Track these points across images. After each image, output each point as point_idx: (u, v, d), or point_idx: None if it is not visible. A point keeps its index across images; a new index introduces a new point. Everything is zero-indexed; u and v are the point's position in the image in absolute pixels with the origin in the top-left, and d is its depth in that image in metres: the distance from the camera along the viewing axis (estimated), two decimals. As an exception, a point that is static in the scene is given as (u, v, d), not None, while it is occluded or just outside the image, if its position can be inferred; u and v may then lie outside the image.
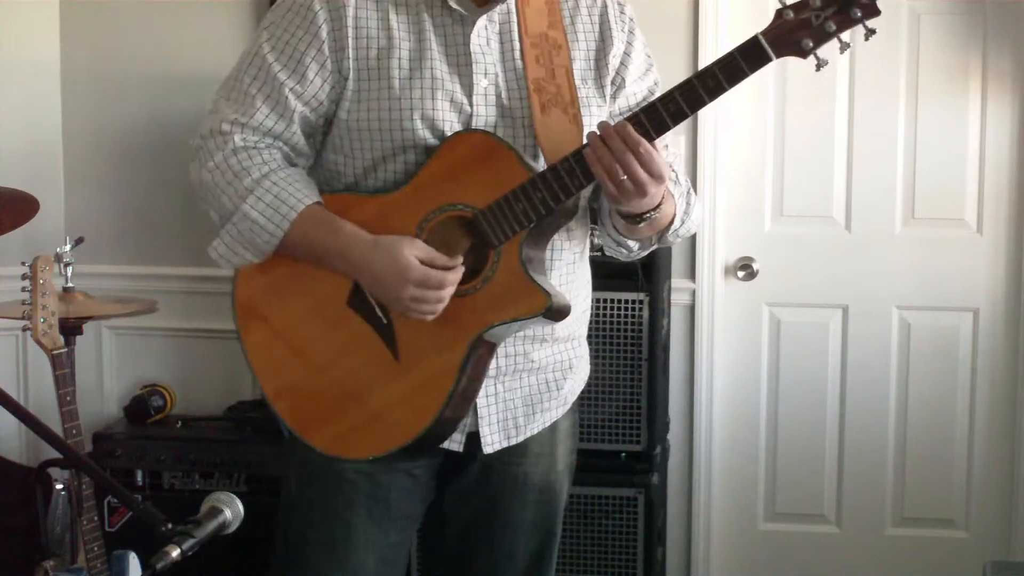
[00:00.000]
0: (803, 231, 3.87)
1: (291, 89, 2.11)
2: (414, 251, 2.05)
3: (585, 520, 3.45)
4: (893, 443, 3.89)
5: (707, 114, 3.70)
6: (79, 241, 3.40)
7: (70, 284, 3.35)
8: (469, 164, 2.08)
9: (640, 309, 3.40)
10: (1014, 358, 3.82)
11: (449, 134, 2.10)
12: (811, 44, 1.96)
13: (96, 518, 3.08)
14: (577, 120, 2.13)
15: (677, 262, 3.77)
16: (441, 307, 2.06)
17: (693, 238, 3.76)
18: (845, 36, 1.96)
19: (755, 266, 3.87)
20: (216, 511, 1.72)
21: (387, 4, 2.13)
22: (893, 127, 3.80)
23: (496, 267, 2.06)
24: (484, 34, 2.14)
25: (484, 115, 2.13)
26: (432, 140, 2.10)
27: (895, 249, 3.84)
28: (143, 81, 3.89)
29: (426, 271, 2.04)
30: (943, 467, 3.88)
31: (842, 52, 1.96)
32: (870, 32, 1.94)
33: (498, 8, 2.14)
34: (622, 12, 2.24)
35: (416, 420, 2.09)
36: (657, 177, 2.01)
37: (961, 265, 3.82)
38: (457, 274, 2.05)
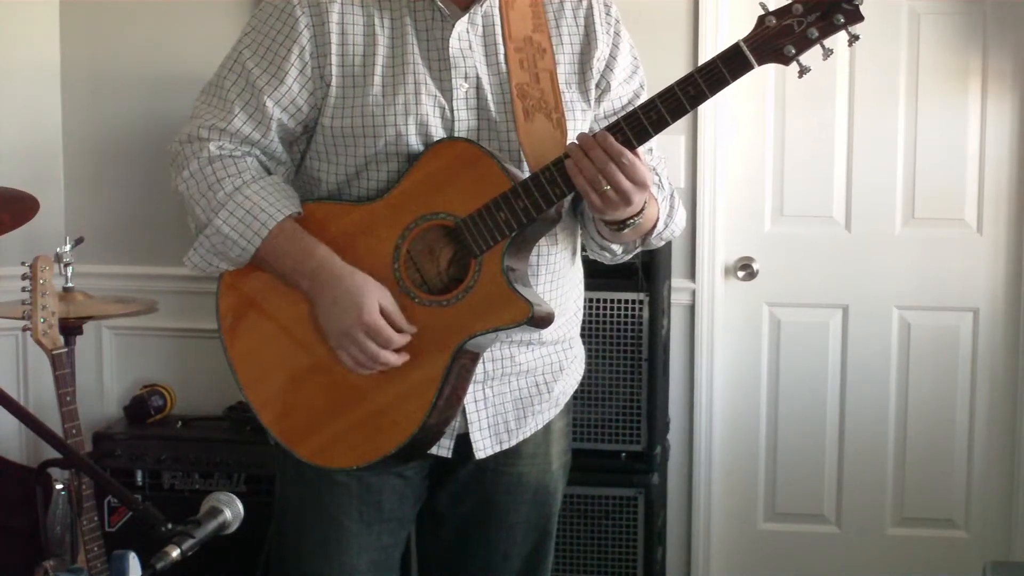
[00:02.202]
0: (803, 231, 3.87)
1: (269, 95, 2.10)
2: (381, 298, 2.05)
3: (585, 520, 3.45)
4: (893, 443, 3.89)
5: (707, 114, 3.70)
6: (79, 241, 3.40)
7: (70, 284, 3.34)
8: (452, 173, 2.06)
9: (640, 309, 3.40)
10: (1014, 358, 3.82)
11: (433, 139, 2.09)
12: (793, 51, 1.96)
13: (96, 518, 3.07)
14: (561, 125, 2.11)
15: (677, 262, 3.77)
16: (369, 367, 2.06)
17: (693, 238, 3.76)
18: (828, 42, 1.95)
19: (755, 266, 3.87)
20: (216, 511, 1.71)
21: (372, 8, 2.11)
22: (893, 127, 3.80)
23: (478, 276, 2.05)
24: (465, 37, 2.12)
25: (465, 119, 2.11)
26: (416, 146, 2.09)
27: (895, 249, 3.83)
28: (143, 81, 3.89)
29: (381, 323, 2.04)
30: (943, 467, 3.88)
31: (825, 59, 1.96)
32: (853, 38, 1.94)
33: (481, 11, 2.13)
34: (608, 13, 2.22)
35: (400, 430, 2.09)
36: (640, 185, 2.00)
37: (961, 265, 3.81)
38: (401, 341, 2.05)
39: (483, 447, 2.20)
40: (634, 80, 2.25)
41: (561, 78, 2.15)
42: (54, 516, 3.09)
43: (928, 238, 3.82)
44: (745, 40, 1.97)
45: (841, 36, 1.95)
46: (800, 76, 1.97)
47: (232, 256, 2.11)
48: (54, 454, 1.84)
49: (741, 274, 3.87)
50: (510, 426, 2.22)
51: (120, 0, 3.92)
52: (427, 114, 2.09)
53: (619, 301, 3.39)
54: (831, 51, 1.95)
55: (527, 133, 2.09)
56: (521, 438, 2.24)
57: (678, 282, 3.78)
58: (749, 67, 1.97)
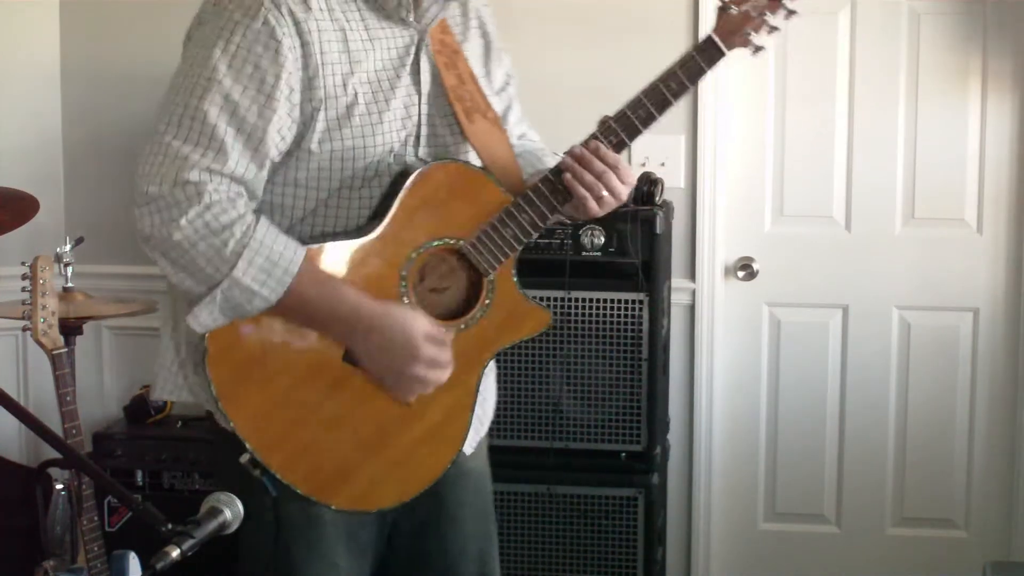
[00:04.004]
0: (803, 231, 3.87)
1: (265, 131, 1.97)
2: (424, 326, 2.02)
3: (585, 520, 3.45)
4: (893, 443, 3.89)
5: (707, 114, 3.70)
6: (79, 241, 3.40)
7: (70, 284, 3.34)
8: (446, 196, 2.05)
9: (640, 309, 3.39)
10: (1014, 358, 3.82)
11: (405, 157, 2.07)
12: (753, 34, 2.09)
13: (96, 518, 3.07)
14: (497, 123, 2.17)
15: (677, 262, 3.77)
16: (431, 390, 2.06)
17: (693, 238, 3.77)
18: (777, 21, 2.10)
19: (755, 266, 3.87)
20: (216, 511, 1.71)
21: (342, 22, 2.03)
22: (893, 127, 3.80)
23: (493, 295, 2.08)
24: (419, 49, 2.11)
25: (428, 134, 2.11)
26: (394, 165, 2.06)
27: (895, 249, 3.83)
28: (143, 80, 3.87)
29: (435, 352, 2.02)
30: (943, 467, 3.88)
31: (769, 34, 2.10)
32: (790, 13, 2.08)
33: (423, 22, 2.10)
34: (484, 5, 2.27)
35: (441, 456, 2.12)
36: (631, 185, 2.11)
37: (961, 265, 3.81)
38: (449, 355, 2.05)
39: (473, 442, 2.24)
40: (504, 62, 2.30)
41: (478, 78, 2.18)
42: (54, 516, 3.10)
43: (928, 238, 3.82)
44: (715, 31, 2.09)
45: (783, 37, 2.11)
46: (754, 53, 2.10)
47: (251, 308, 1.98)
48: (54, 454, 1.84)
49: (741, 274, 3.87)
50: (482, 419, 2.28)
51: (120, 0, 3.92)
52: (402, 129, 2.07)
53: (619, 301, 3.38)
54: (776, 28, 2.09)
55: (473, 135, 2.13)
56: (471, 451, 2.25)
57: (678, 282, 3.78)
58: (721, 55, 2.08)
